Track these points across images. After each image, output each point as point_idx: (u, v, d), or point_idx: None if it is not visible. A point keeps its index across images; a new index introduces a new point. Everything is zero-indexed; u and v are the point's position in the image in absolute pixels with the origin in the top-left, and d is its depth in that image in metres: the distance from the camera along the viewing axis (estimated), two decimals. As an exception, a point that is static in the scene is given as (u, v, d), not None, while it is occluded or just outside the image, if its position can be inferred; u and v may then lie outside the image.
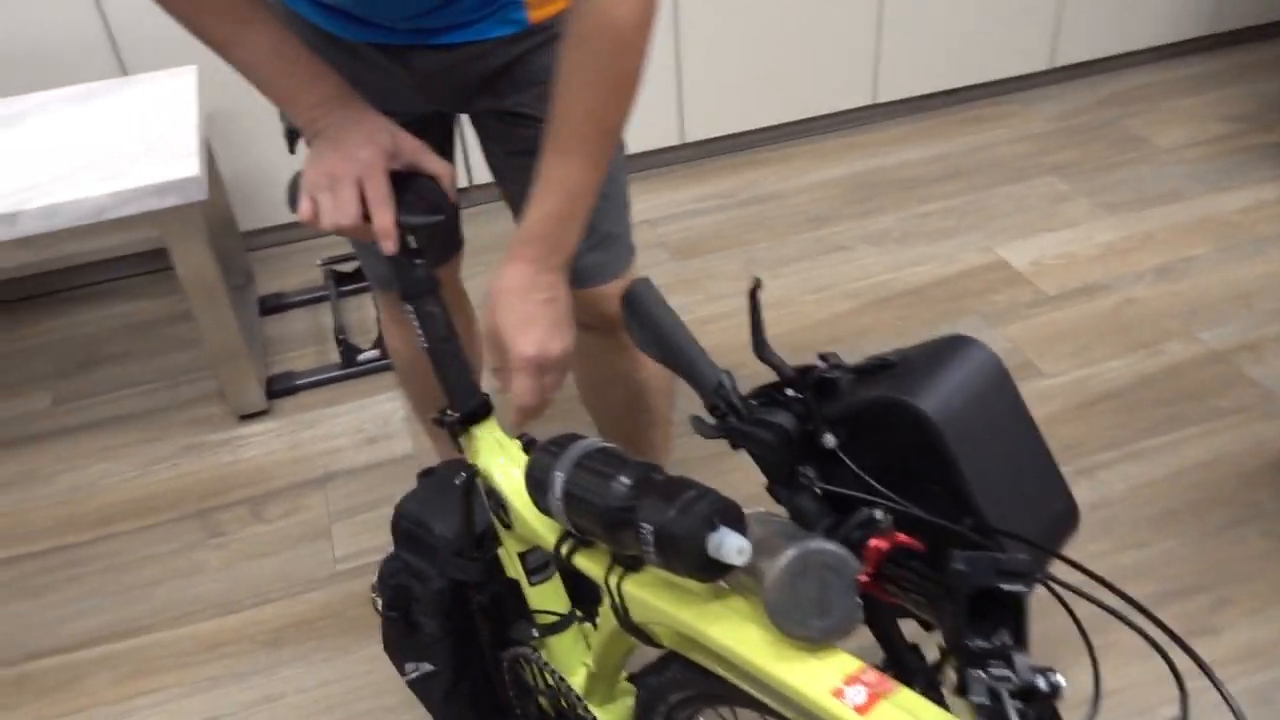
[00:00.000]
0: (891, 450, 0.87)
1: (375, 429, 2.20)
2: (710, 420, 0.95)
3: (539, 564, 1.16)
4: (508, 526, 1.12)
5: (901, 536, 0.85)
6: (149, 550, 1.96)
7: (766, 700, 0.90)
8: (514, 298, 1.03)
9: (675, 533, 0.83)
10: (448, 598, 1.23)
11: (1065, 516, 0.90)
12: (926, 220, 2.70)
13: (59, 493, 2.10)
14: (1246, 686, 1.58)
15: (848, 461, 0.89)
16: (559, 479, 0.94)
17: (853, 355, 0.89)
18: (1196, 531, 1.83)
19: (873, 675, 0.80)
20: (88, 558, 1.96)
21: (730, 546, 0.81)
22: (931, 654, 0.91)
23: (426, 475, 1.33)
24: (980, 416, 0.88)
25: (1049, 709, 0.68)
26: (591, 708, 1.14)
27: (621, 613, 0.97)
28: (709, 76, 2.86)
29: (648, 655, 1.01)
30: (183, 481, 2.10)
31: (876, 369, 0.92)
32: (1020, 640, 0.71)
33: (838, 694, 0.79)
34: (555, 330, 1.04)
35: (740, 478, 1.12)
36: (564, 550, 1.02)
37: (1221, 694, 0.64)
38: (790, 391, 0.92)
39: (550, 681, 1.18)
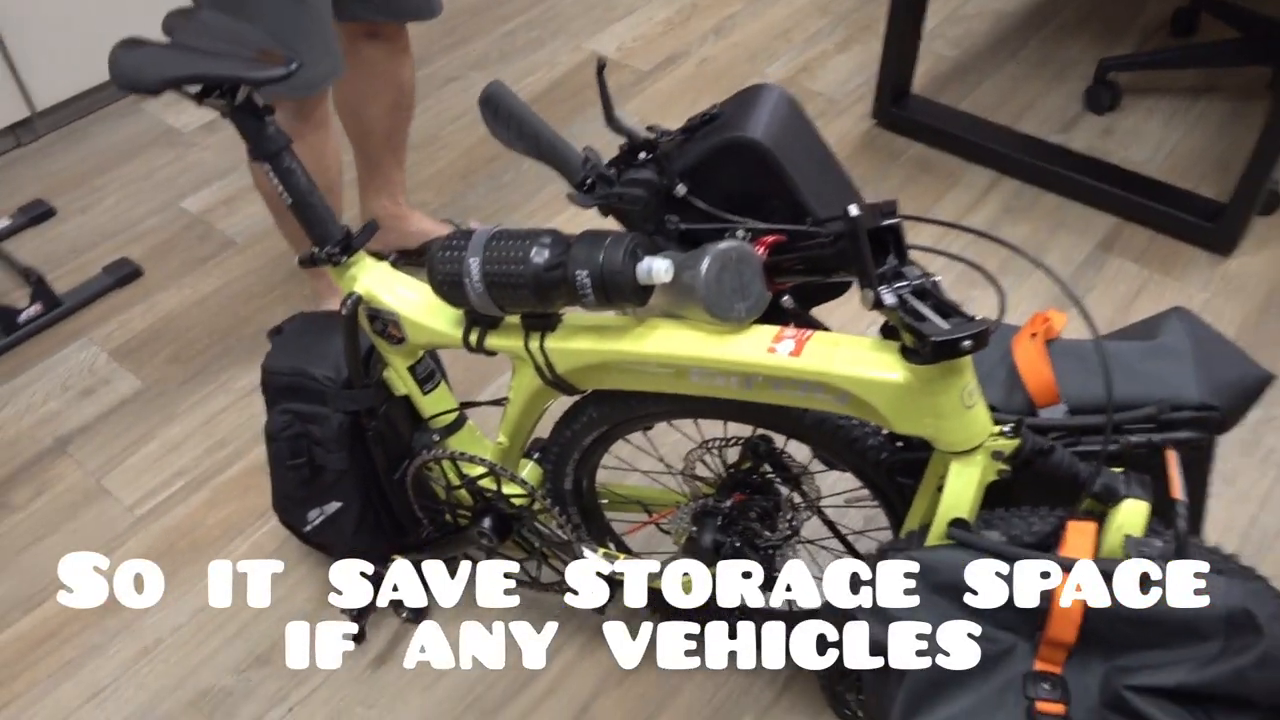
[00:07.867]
0: (734, 183, 1.10)
1: (83, 380, 2.04)
2: (580, 194, 1.11)
3: (426, 373, 1.31)
4: (399, 341, 1.24)
5: (771, 237, 1.06)
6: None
7: (688, 396, 1.13)
8: None
9: (611, 269, 1.02)
10: (347, 430, 1.33)
11: (859, 200, 1.18)
12: (514, 37, 2.90)
13: None
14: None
15: (699, 203, 1.11)
16: (474, 266, 1.08)
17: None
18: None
19: (791, 331, 1.06)
20: None
21: (659, 268, 1.02)
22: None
23: (277, 333, 1.40)
24: (793, 137, 1.13)
25: (936, 298, 0.95)
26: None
27: (548, 370, 1.15)
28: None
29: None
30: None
31: (703, 124, 1.13)
32: (902, 259, 0.98)
33: (771, 351, 1.04)
34: None
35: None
36: (473, 338, 1.17)
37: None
38: (643, 155, 1.10)
39: (467, 469, 1.34)
